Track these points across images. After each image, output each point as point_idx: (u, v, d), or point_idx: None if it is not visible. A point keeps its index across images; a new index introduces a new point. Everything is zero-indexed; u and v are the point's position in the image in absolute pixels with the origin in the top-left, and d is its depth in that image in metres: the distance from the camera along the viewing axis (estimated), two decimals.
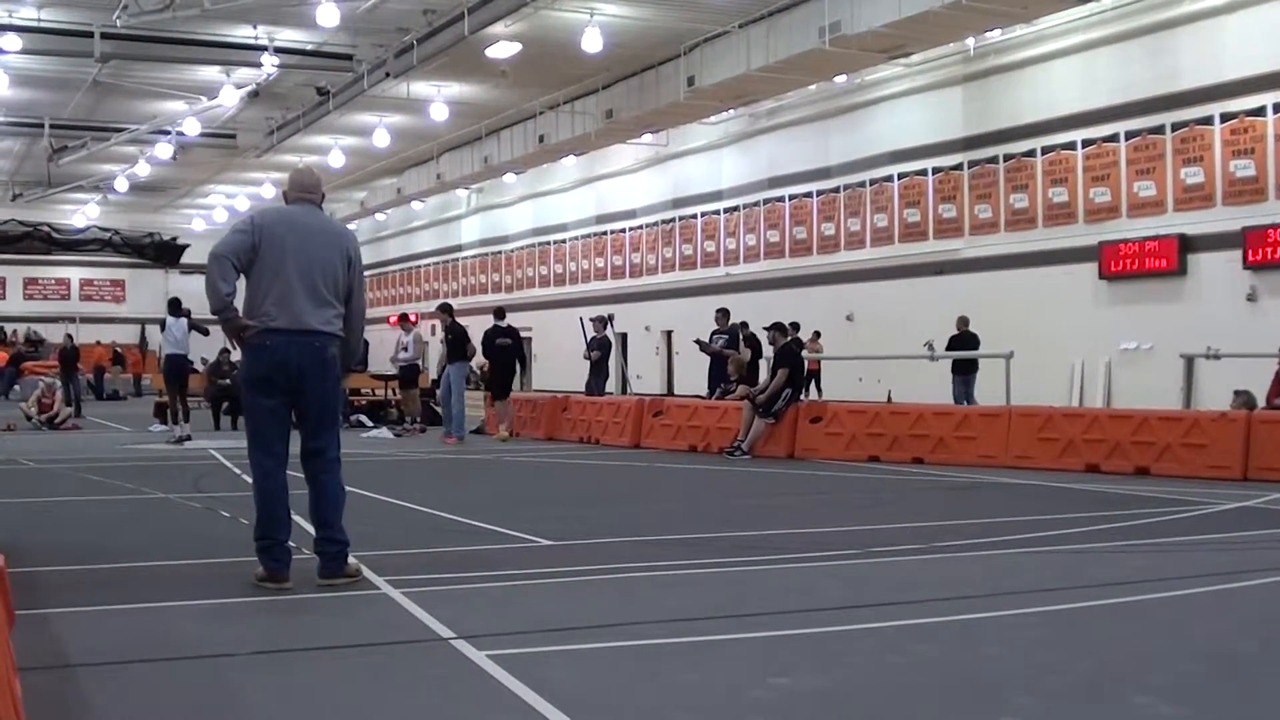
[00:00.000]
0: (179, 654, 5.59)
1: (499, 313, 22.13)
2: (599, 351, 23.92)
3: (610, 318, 26.11)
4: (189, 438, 19.82)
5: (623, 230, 39.60)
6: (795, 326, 22.55)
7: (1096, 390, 23.60)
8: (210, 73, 30.60)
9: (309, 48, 28.94)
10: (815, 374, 27.33)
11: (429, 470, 16.37)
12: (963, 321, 22.94)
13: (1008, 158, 25.97)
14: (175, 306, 20.86)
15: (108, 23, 25.45)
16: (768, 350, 18.91)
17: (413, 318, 25.23)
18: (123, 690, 5.06)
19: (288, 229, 7.25)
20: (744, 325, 22.65)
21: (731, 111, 31.39)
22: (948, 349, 22.51)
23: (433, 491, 12.79)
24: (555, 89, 31.81)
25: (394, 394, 25.97)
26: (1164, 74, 22.89)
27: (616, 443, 19.80)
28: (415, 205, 50.02)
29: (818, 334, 28.03)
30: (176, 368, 20.68)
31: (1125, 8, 23.46)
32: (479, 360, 23.29)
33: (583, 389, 24.42)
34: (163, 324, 21.17)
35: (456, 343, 20.93)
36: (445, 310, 21.72)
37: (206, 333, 19.88)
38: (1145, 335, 22.78)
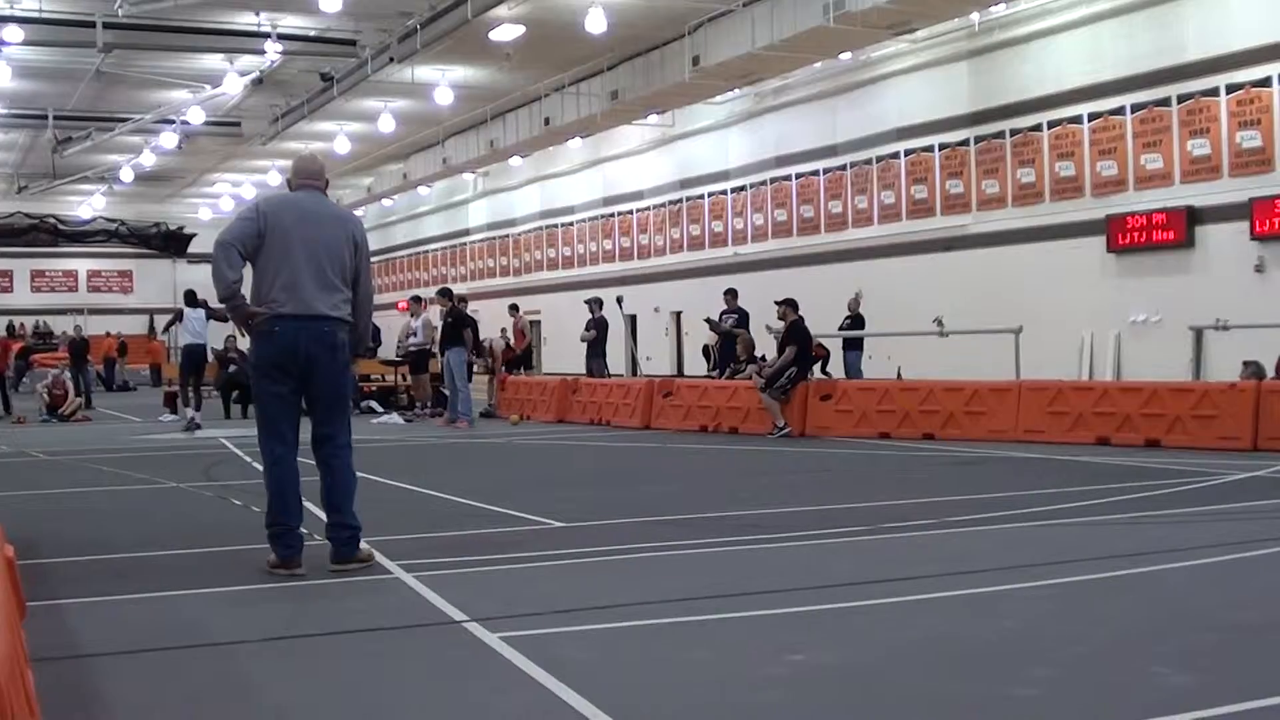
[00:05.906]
0: (192, 642, 5.61)
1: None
2: (595, 331, 24.01)
3: (619, 299, 26.12)
4: (199, 425, 19.89)
5: (630, 212, 39.47)
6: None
7: (1106, 363, 23.53)
8: (214, 61, 30.53)
9: (312, 34, 28.83)
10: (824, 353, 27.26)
11: (440, 455, 16.38)
12: (854, 303, 25.34)
13: (1014, 132, 25.85)
14: (191, 298, 21.17)
15: (109, 12, 25.34)
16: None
17: (424, 301, 25.17)
18: (136, 679, 5.07)
19: (294, 215, 7.23)
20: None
21: (737, 91, 31.24)
22: (842, 328, 24.85)
23: (444, 475, 12.79)
24: (560, 71, 31.71)
25: (404, 379, 25.99)
26: (1169, 46, 22.75)
27: (627, 424, 19.80)
28: (422, 190, 49.93)
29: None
30: (193, 357, 20.91)
31: None
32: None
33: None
34: (180, 314, 21.36)
35: (454, 327, 20.91)
36: (445, 295, 21.68)
37: (225, 319, 20.04)
38: (1154, 308, 22.68)
